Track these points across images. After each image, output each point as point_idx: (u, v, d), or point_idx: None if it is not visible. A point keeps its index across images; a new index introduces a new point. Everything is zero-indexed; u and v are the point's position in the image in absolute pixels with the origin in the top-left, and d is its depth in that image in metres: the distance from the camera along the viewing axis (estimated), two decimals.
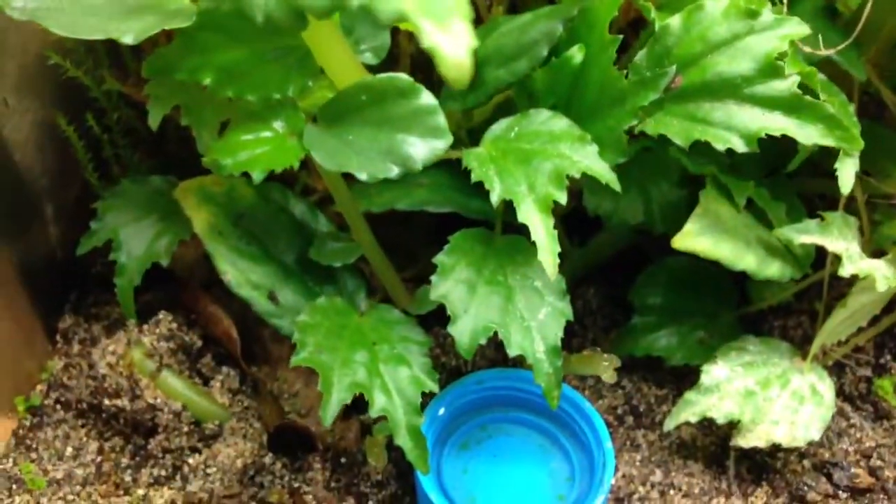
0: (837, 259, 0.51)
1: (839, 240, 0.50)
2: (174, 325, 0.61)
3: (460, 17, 0.30)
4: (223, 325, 0.63)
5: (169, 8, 0.48)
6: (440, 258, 0.52)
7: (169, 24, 0.47)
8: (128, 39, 0.46)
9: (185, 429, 0.59)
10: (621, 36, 0.48)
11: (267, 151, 0.49)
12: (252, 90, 0.49)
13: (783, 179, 0.57)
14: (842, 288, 0.56)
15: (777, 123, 0.47)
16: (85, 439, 0.60)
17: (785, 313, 0.64)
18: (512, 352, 0.50)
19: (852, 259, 0.49)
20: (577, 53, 0.50)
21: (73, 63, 0.60)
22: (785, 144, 0.49)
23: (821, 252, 0.53)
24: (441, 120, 0.47)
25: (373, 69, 0.50)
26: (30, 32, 0.58)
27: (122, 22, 0.47)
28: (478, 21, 0.58)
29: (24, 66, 0.59)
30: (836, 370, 0.62)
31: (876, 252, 0.55)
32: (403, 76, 0.47)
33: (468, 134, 0.57)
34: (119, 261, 0.60)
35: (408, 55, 0.60)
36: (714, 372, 0.55)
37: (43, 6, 0.45)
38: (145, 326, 0.61)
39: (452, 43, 0.29)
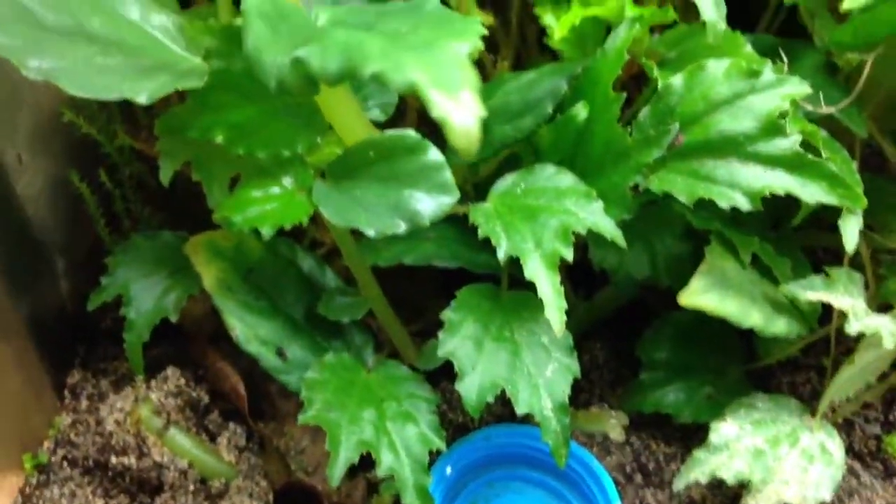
0: (844, 315, 0.51)
1: (845, 296, 0.50)
2: (182, 381, 0.61)
3: (469, 87, 0.30)
4: (231, 382, 0.63)
5: (182, 68, 0.50)
6: (447, 314, 0.52)
7: (182, 84, 0.48)
8: (142, 99, 0.47)
9: (192, 487, 0.58)
10: (624, 94, 0.49)
11: (276, 207, 0.49)
12: (262, 147, 0.49)
13: (788, 234, 0.57)
14: (849, 343, 0.56)
15: (780, 182, 0.47)
16: (91, 497, 0.59)
17: (793, 369, 0.63)
18: (520, 410, 0.50)
19: (858, 315, 0.49)
20: (581, 110, 0.51)
21: (86, 119, 0.61)
22: (789, 199, 0.50)
23: (827, 306, 0.53)
24: (448, 176, 0.48)
25: (380, 125, 0.51)
26: (44, 89, 0.59)
27: (136, 82, 0.47)
28: (484, 77, 0.59)
29: (39, 123, 0.60)
30: (846, 427, 0.61)
31: (882, 306, 0.55)
32: (411, 133, 0.48)
33: (475, 188, 0.58)
34: (128, 316, 0.60)
35: (415, 110, 0.61)
36: (723, 430, 0.55)
37: (58, 66, 0.46)
38: (153, 382, 0.61)
39: (462, 113, 0.30)
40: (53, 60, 0.46)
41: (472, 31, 0.33)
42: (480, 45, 0.33)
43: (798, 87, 0.47)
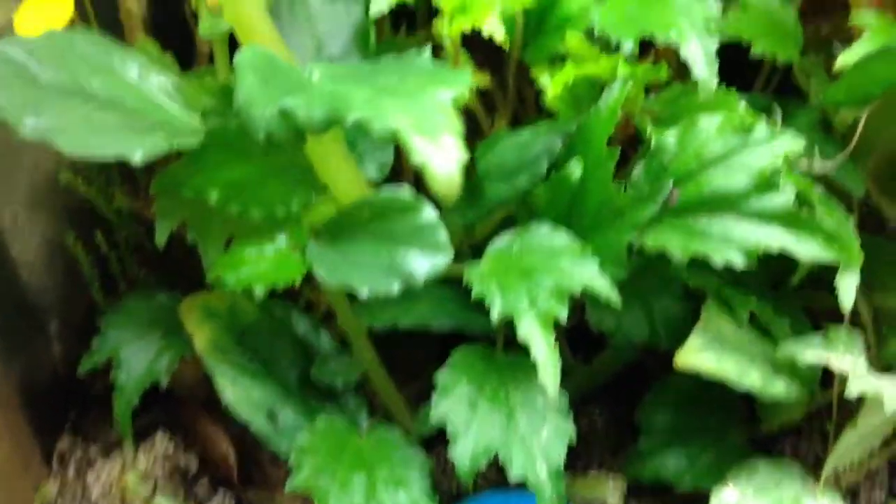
0: (845, 378, 0.50)
1: (845, 355, 0.49)
2: (171, 447, 0.60)
3: (451, 133, 0.30)
4: (221, 449, 0.62)
5: (178, 127, 0.50)
6: (440, 376, 0.51)
7: (177, 143, 0.48)
8: (136, 158, 0.47)
9: None
10: (618, 150, 0.49)
11: (269, 267, 0.49)
12: (256, 206, 0.49)
13: (788, 294, 0.56)
14: (852, 408, 0.55)
15: (775, 238, 0.47)
16: None
17: (796, 432, 0.62)
18: (514, 475, 0.49)
19: (859, 377, 0.48)
20: (575, 168, 0.51)
21: (84, 180, 0.61)
22: (788, 259, 0.49)
23: (829, 371, 0.52)
24: (443, 236, 0.48)
25: (376, 183, 0.51)
26: (43, 151, 0.59)
27: (132, 141, 0.48)
28: (480, 136, 0.60)
29: (36, 185, 0.61)
30: (850, 494, 0.59)
31: (885, 367, 0.54)
32: (405, 192, 0.48)
33: (472, 249, 0.57)
34: (119, 380, 0.60)
35: (411, 168, 0.61)
36: (724, 496, 0.53)
37: (54, 125, 0.46)
38: (142, 447, 0.59)
39: (443, 159, 0.30)
40: (50, 119, 0.46)
41: (458, 80, 0.34)
42: (466, 93, 0.33)
43: (791, 143, 0.47)
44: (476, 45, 0.57)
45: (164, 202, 0.53)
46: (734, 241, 0.47)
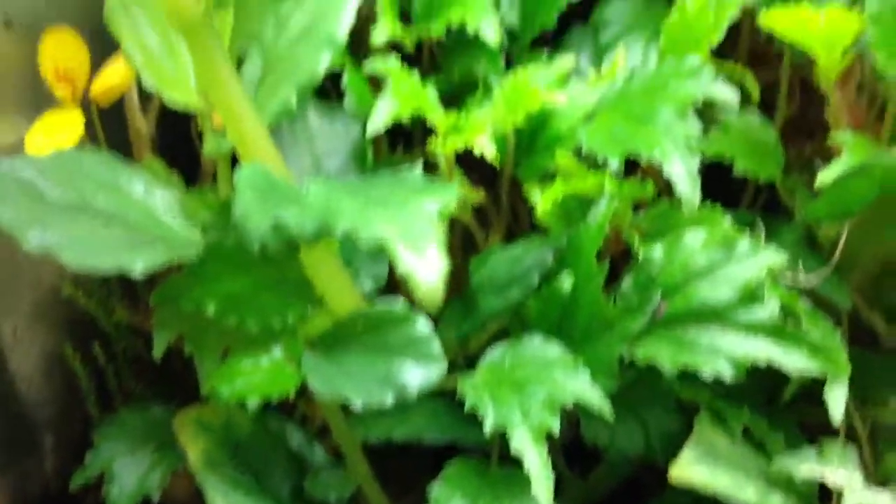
0: (842, 495, 0.49)
1: (839, 469, 0.49)
2: None
3: (435, 244, 0.32)
4: None
5: (179, 241, 0.51)
6: (434, 491, 0.51)
7: (177, 256, 0.49)
8: (137, 270, 0.48)
9: None
10: (607, 264, 0.50)
11: (264, 379, 0.49)
12: (253, 318, 0.50)
13: (782, 409, 0.56)
14: None
15: (761, 350, 0.47)
16: None
17: None
18: None
19: (855, 492, 0.48)
20: (566, 281, 0.52)
21: (85, 294, 0.62)
22: (781, 373, 0.49)
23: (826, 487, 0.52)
24: (436, 348, 0.48)
25: (371, 296, 0.52)
26: (45, 264, 0.61)
27: (133, 254, 0.49)
28: (475, 251, 0.61)
29: (37, 298, 0.62)
30: None
31: (882, 483, 0.53)
32: (399, 305, 0.49)
33: (466, 361, 0.58)
34: (110, 495, 0.59)
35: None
36: None
37: (59, 240, 0.47)
38: None
39: (426, 269, 0.31)
40: (55, 234, 0.48)
41: (444, 193, 0.35)
42: (453, 204, 0.35)
43: (774, 257, 0.48)
44: (471, 163, 0.59)
45: (162, 314, 0.54)
46: (722, 352, 0.48)
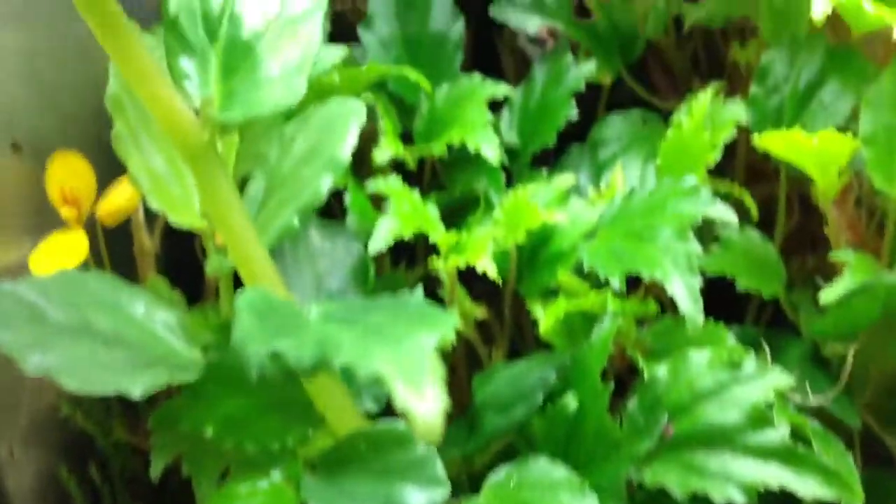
0: None
1: None
2: None
3: (434, 380, 0.31)
4: None
5: (179, 362, 0.51)
6: None
7: (177, 378, 0.49)
8: (136, 393, 0.47)
9: None
10: (612, 384, 0.49)
11: (263, 502, 0.48)
12: (252, 440, 0.49)
13: None
14: None
15: (773, 475, 0.46)
16: None
17: None
18: None
19: None
20: (571, 402, 0.51)
21: (83, 413, 0.61)
22: (793, 498, 0.48)
23: None
24: (439, 470, 0.47)
25: (373, 416, 0.52)
26: (44, 384, 0.60)
27: (133, 376, 0.48)
28: (478, 368, 0.60)
29: (35, 417, 0.61)
30: None
31: None
32: (401, 426, 0.48)
33: (470, 480, 0.56)
34: None
35: None
36: None
37: (59, 362, 0.47)
38: None
39: (425, 406, 0.31)
40: (55, 357, 0.47)
41: (443, 323, 0.35)
42: (451, 336, 0.34)
43: (780, 379, 0.47)
44: (474, 276, 0.59)
45: (161, 436, 0.53)
46: (733, 477, 0.46)
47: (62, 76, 0.59)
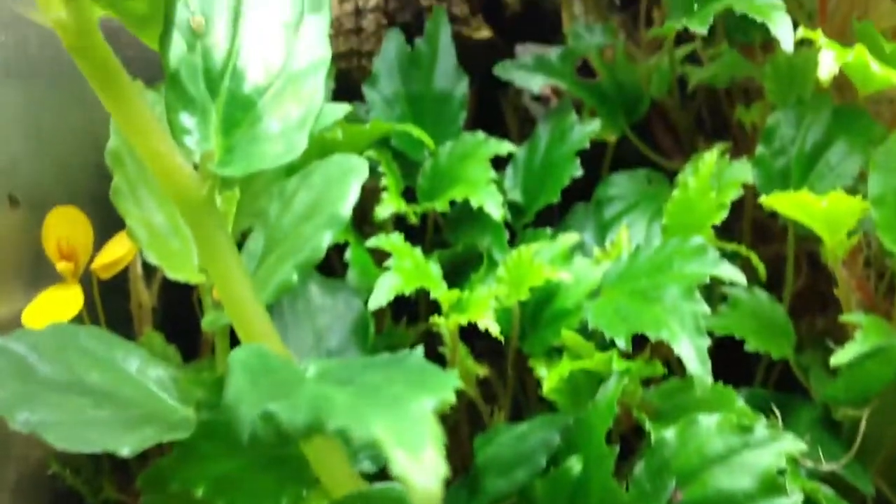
0: None
1: None
2: None
3: (433, 447, 0.30)
4: None
5: (171, 420, 0.50)
6: None
7: (168, 436, 0.47)
8: (125, 452, 0.46)
9: None
10: (617, 448, 0.48)
11: None
12: (244, 501, 0.48)
13: None
14: None
15: None
16: None
17: None
18: None
19: None
20: (575, 465, 0.49)
21: (72, 471, 0.60)
22: None
23: None
24: None
25: (370, 476, 0.50)
26: (32, 439, 0.59)
27: (122, 435, 0.47)
28: (480, 428, 0.59)
29: (24, 476, 0.59)
30: None
31: None
32: (398, 488, 0.46)
33: None
34: None
35: None
36: None
37: (46, 420, 0.46)
38: None
39: (423, 474, 0.30)
40: (44, 414, 0.46)
41: (442, 386, 0.34)
42: (451, 398, 0.33)
43: (792, 445, 0.45)
44: (477, 333, 0.58)
45: (151, 496, 0.52)
46: None
47: (62, 130, 0.59)
